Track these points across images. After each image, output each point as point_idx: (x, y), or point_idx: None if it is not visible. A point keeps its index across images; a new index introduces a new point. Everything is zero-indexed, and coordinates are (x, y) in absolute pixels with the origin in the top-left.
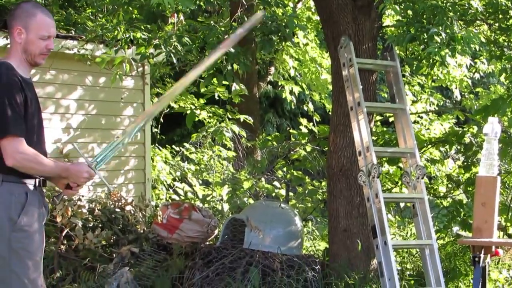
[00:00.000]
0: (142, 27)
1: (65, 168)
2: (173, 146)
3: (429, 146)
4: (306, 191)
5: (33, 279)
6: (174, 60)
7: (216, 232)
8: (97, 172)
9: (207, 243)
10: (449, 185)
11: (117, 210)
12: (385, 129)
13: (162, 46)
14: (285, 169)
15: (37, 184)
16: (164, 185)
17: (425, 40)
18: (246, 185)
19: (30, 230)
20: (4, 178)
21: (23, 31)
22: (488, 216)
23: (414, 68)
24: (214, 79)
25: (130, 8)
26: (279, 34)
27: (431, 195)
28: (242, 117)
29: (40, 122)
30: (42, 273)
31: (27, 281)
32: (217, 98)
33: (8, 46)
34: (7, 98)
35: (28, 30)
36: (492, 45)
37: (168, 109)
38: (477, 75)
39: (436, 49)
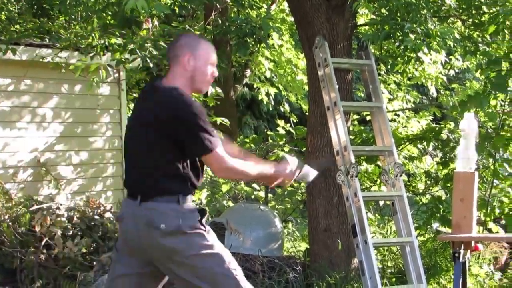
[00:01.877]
0: (117, 33)
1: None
2: None
3: (407, 143)
4: (285, 192)
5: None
6: (150, 65)
7: None
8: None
9: None
10: (428, 182)
11: (96, 217)
12: (362, 128)
13: (138, 51)
14: None
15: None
16: None
17: (400, 37)
18: (225, 188)
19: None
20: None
21: (192, 58)
22: (467, 212)
23: (389, 65)
24: None
25: (104, 15)
26: (254, 36)
27: (410, 192)
28: (219, 120)
29: None
30: None
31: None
32: None
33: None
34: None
35: (197, 57)
36: (466, 41)
37: None
38: (452, 72)
39: (413, 43)
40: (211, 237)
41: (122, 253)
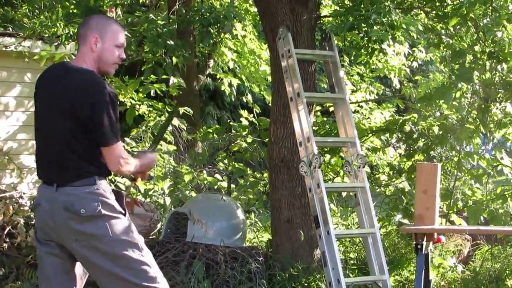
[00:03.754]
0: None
1: (140, 164)
2: None
3: (370, 135)
4: (248, 183)
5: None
6: None
7: (159, 226)
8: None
9: (150, 237)
10: (391, 174)
11: None
12: (325, 119)
13: None
14: (226, 161)
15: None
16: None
17: (365, 28)
18: (188, 178)
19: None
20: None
21: (99, 40)
22: (429, 203)
23: (353, 57)
24: (152, 76)
25: (67, 4)
26: (218, 26)
27: (373, 184)
28: (182, 110)
29: None
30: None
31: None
32: (153, 94)
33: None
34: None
35: (104, 39)
36: (429, 33)
37: None
38: (415, 64)
39: (378, 34)
40: (128, 221)
41: (44, 243)
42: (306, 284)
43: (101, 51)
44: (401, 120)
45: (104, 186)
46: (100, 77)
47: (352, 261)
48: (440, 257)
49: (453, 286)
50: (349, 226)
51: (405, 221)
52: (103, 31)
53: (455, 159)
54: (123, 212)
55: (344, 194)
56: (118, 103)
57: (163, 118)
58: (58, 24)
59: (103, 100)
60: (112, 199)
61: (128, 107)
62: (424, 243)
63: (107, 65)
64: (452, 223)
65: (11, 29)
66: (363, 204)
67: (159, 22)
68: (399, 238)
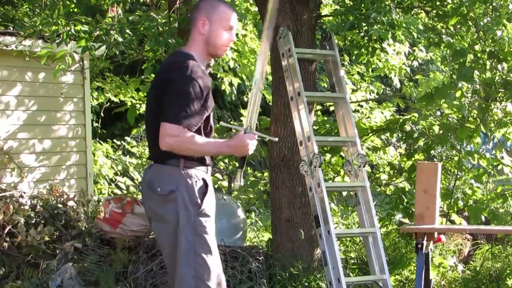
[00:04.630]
0: (83, 20)
1: (225, 145)
2: (114, 140)
3: (370, 134)
4: (249, 182)
5: (216, 260)
6: (116, 52)
7: None
8: (256, 133)
9: (151, 236)
10: (391, 173)
11: (59, 206)
12: (326, 118)
13: (103, 38)
14: (226, 160)
15: (209, 171)
16: (106, 179)
17: (365, 27)
18: None
19: (211, 215)
20: (185, 163)
21: (207, 22)
22: (430, 203)
23: (353, 56)
24: (153, 75)
25: (68, 2)
26: None
27: (374, 183)
28: None
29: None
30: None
31: (210, 261)
32: None
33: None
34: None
35: (212, 22)
36: (430, 32)
37: (109, 103)
38: (415, 63)
39: (378, 32)
40: (205, 213)
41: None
42: (306, 284)
43: (208, 33)
44: (401, 120)
45: (192, 171)
46: (186, 59)
47: (352, 261)
48: (440, 257)
49: (453, 285)
50: (349, 226)
51: (406, 220)
52: (211, 13)
53: (456, 158)
54: (200, 202)
55: (344, 193)
56: (200, 85)
57: None
58: (59, 22)
59: (177, 79)
60: (194, 186)
61: (128, 106)
62: (425, 242)
63: (215, 47)
64: (453, 222)
65: (11, 28)
66: (364, 203)
67: (159, 20)
68: (400, 237)
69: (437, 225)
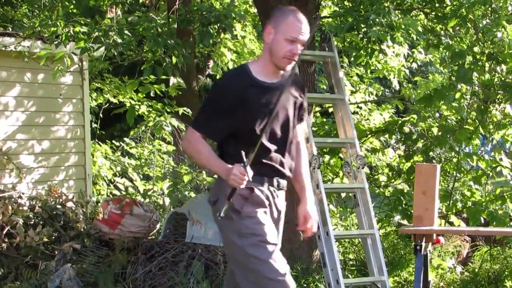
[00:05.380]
0: (82, 21)
1: (220, 168)
2: (113, 141)
3: (369, 136)
4: None
5: (269, 257)
6: (115, 53)
7: (158, 226)
8: (248, 171)
9: (149, 237)
10: (390, 175)
11: (58, 206)
12: (325, 120)
13: (102, 39)
14: None
15: (267, 183)
16: (105, 180)
17: (364, 28)
18: (187, 178)
19: (256, 216)
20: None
21: (273, 31)
22: (428, 204)
23: (352, 57)
24: (151, 76)
25: (67, 3)
26: (218, 25)
27: (372, 184)
28: (181, 110)
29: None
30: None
31: (263, 259)
32: (152, 94)
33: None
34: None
35: (277, 31)
36: (429, 34)
37: (108, 104)
38: (414, 65)
39: (377, 34)
40: (248, 216)
41: None
42: (305, 285)
43: (271, 42)
44: (400, 121)
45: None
46: (232, 70)
47: (351, 262)
48: (439, 258)
49: (452, 287)
50: (348, 227)
51: (404, 222)
52: (278, 22)
53: (454, 160)
54: (239, 210)
55: (343, 195)
56: (228, 95)
57: (162, 118)
58: (58, 23)
59: (210, 89)
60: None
61: (128, 107)
62: (423, 244)
63: (277, 58)
64: (451, 224)
65: (10, 29)
66: (362, 205)
67: (158, 21)
68: (398, 239)
69: (435, 226)
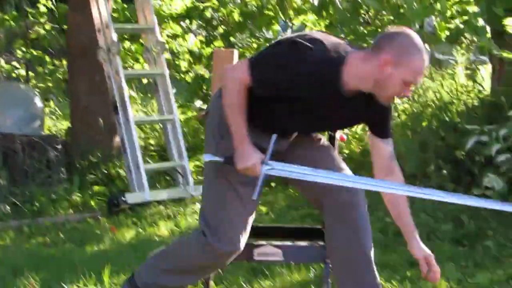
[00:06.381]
0: None
1: (239, 142)
2: None
3: (170, 21)
4: (47, 71)
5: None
6: None
7: None
8: (263, 174)
9: None
10: (191, 60)
11: None
12: (125, 5)
13: None
14: (24, 49)
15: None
16: None
17: None
18: None
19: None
20: None
21: (392, 64)
22: None
23: None
24: None
25: None
26: None
27: (173, 70)
28: None
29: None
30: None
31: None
32: None
33: None
34: (275, 55)
35: (397, 67)
36: None
37: None
38: None
39: None
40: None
41: None
42: (105, 171)
43: (385, 75)
44: (201, 7)
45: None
46: (315, 60)
47: (152, 148)
48: None
49: None
50: (148, 113)
51: (205, 107)
52: (401, 57)
53: (255, 45)
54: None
55: (144, 81)
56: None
57: None
58: None
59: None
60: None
61: None
62: None
63: (383, 93)
64: None
65: None
66: (163, 90)
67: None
68: (199, 124)
69: None
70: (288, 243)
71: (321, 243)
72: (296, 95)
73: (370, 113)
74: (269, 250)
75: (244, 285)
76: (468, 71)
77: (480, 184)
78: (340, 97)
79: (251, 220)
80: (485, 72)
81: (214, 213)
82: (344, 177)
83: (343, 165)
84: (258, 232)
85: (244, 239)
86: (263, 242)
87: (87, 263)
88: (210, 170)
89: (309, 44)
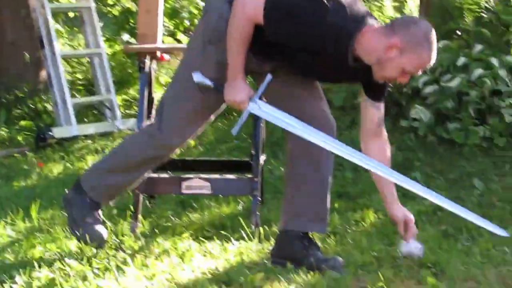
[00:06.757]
0: None
1: (233, 75)
2: None
3: None
4: None
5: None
6: None
7: None
8: (248, 111)
9: None
10: None
11: None
12: None
13: None
14: None
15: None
16: None
17: None
18: None
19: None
20: None
21: (399, 49)
22: (152, 22)
23: None
24: None
25: None
26: None
27: (99, 4)
28: None
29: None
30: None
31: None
32: None
33: None
34: (294, 5)
35: (402, 54)
36: None
37: None
38: None
39: None
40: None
41: None
42: (32, 106)
43: (389, 58)
44: None
45: None
46: (336, 19)
47: (79, 82)
48: (167, 76)
49: None
50: (75, 47)
51: (132, 41)
52: (410, 47)
53: None
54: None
55: (71, 14)
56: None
57: None
58: None
59: None
60: None
61: None
62: (147, 61)
63: (381, 72)
64: (179, 41)
65: None
66: (89, 24)
67: None
68: (126, 58)
69: (159, 44)
70: (217, 176)
71: (249, 175)
72: (300, 47)
73: (368, 76)
74: (197, 183)
75: (173, 218)
76: (396, 3)
77: (407, 115)
78: (344, 57)
79: (202, 123)
80: (413, 4)
81: (171, 105)
82: (327, 139)
83: (326, 108)
84: (186, 165)
85: (189, 137)
86: (191, 175)
87: (14, 198)
88: (185, 70)
89: (328, 5)
